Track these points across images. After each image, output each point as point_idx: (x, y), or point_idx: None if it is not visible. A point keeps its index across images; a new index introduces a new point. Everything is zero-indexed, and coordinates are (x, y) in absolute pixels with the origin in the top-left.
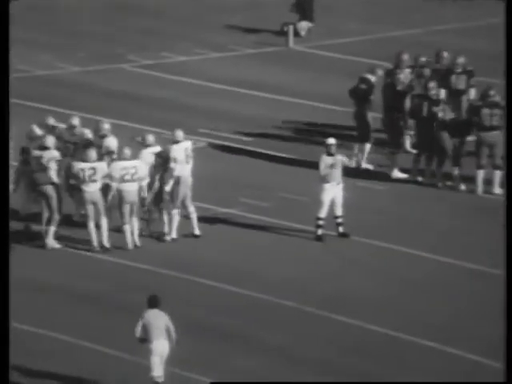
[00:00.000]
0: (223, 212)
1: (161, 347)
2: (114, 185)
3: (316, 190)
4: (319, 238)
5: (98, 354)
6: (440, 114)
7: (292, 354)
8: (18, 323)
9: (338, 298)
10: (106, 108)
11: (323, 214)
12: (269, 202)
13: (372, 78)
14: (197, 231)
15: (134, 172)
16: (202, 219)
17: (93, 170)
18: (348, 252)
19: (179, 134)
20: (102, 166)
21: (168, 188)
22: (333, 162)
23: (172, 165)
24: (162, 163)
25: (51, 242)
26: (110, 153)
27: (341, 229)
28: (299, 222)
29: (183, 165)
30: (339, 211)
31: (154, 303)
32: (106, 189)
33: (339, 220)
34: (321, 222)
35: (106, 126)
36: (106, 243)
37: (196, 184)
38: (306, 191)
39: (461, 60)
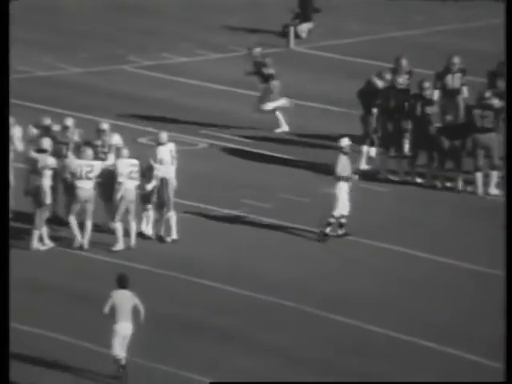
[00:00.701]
0: (224, 213)
1: (124, 330)
2: (123, 181)
3: (316, 191)
4: (326, 236)
5: (98, 354)
6: (432, 114)
7: (292, 354)
8: (17, 323)
9: (338, 298)
10: (107, 109)
11: (339, 212)
12: (269, 203)
13: (379, 82)
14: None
15: (136, 170)
16: (202, 220)
17: (90, 168)
18: (348, 252)
19: (163, 135)
20: (98, 165)
21: (150, 187)
22: (348, 162)
23: (157, 166)
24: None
25: (36, 243)
26: (118, 149)
27: (343, 229)
28: (300, 222)
29: (169, 166)
30: (347, 210)
31: (122, 283)
32: (104, 187)
33: (343, 220)
34: (333, 221)
35: (105, 125)
36: (86, 244)
37: (197, 185)
38: (307, 192)
39: (456, 59)
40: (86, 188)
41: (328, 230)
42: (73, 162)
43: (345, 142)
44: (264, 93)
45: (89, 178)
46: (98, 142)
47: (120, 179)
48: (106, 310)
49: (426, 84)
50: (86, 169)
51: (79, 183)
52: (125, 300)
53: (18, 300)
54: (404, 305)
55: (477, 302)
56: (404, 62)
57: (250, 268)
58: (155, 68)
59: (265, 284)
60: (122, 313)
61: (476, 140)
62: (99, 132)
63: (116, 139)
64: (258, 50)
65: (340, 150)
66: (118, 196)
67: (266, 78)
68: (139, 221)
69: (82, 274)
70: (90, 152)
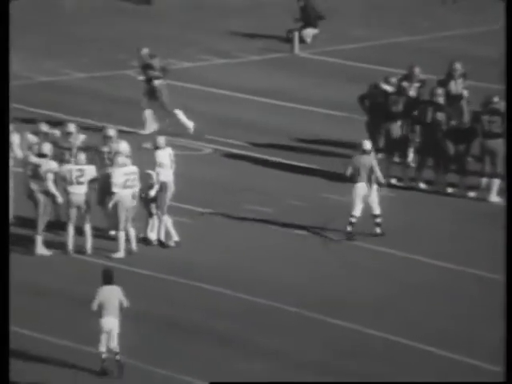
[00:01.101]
0: (226, 217)
1: (110, 324)
2: (117, 191)
3: (317, 196)
4: (380, 235)
5: (97, 357)
6: (442, 120)
7: (291, 358)
8: (17, 327)
9: (339, 302)
10: (111, 114)
11: (376, 211)
12: (271, 207)
13: (386, 87)
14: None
15: (133, 178)
16: (204, 224)
17: (80, 172)
18: (350, 256)
19: (161, 140)
20: (90, 169)
21: (153, 193)
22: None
23: (158, 169)
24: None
25: (40, 249)
26: (114, 157)
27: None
28: (301, 227)
29: (168, 170)
30: (359, 212)
31: (108, 279)
32: (102, 195)
33: (354, 220)
34: (379, 220)
35: (112, 132)
36: (89, 249)
37: (200, 190)
38: (309, 197)
39: (457, 65)
40: (78, 193)
41: (379, 230)
42: (63, 167)
43: (368, 144)
44: (152, 95)
45: (80, 183)
46: (105, 149)
47: (114, 189)
48: (95, 306)
49: (439, 90)
50: (76, 173)
51: (71, 188)
52: (111, 295)
53: (18, 304)
54: (405, 309)
55: (477, 306)
56: (417, 70)
57: (250, 272)
58: None
59: (265, 288)
60: (108, 308)
61: (483, 145)
62: (106, 138)
63: (123, 146)
64: (145, 51)
65: (365, 153)
66: (110, 205)
67: (150, 80)
68: (145, 226)
69: (83, 278)
70: (82, 157)
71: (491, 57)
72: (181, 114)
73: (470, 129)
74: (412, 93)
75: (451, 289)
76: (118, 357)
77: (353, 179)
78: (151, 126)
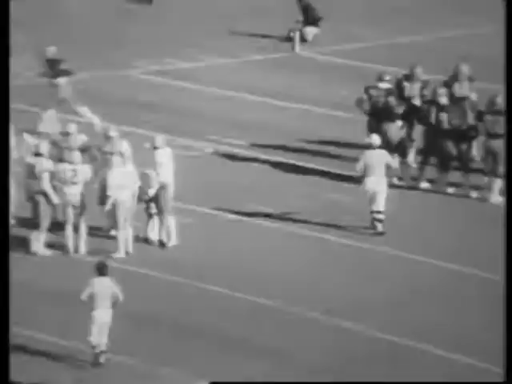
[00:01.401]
0: (228, 217)
1: (102, 317)
2: (112, 193)
3: (320, 196)
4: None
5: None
6: (444, 120)
7: (292, 359)
8: (17, 327)
9: (342, 304)
10: (112, 114)
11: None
12: (273, 207)
13: (384, 85)
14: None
15: (130, 178)
16: (206, 224)
17: (73, 172)
18: (351, 257)
19: (160, 139)
20: (84, 169)
21: (152, 193)
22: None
23: (157, 169)
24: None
25: (41, 249)
26: (118, 156)
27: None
28: (304, 227)
29: (167, 170)
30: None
31: (102, 271)
32: (103, 195)
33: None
34: (382, 217)
35: (114, 132)
36: (82, 248)
37: (201, 190)
38: (311, 197)
39: (463, 67)
40: (73, 193)
41: (380, 227)
42: (57, 166)
43: (378, 139)
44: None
45: (74, 183)
46: (107, 149)
47: (109, 192)
48: (84, 297)
49: (441, 90)
50: (70, 173)
51: (65, 188)
52: (104, 287)
53: (18, 304)
54: (404, 309)
55: (477, 306)
56: (419, 71)
57: (251, 272)
58: (160, 73)
59: (265, 288)
60: (100, 300)
61: (487, 145)
62: (107, 138)
63: (125, 146)
64: (53, 49)
65: (376, 148)
66: (106, 207)
67: (56, 77)
68: (145, 226)
69: (83, 278)
70: (76, 157)
71: (491, 57)
72: (87, 111)
73: (471, 128)
74: (414, 93)
75: (451, 289)
76: (101, 359)
77: (362, 175)
78: (50, 126)
